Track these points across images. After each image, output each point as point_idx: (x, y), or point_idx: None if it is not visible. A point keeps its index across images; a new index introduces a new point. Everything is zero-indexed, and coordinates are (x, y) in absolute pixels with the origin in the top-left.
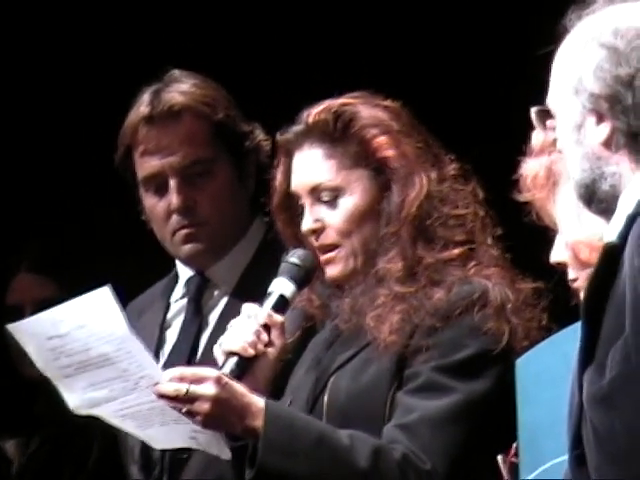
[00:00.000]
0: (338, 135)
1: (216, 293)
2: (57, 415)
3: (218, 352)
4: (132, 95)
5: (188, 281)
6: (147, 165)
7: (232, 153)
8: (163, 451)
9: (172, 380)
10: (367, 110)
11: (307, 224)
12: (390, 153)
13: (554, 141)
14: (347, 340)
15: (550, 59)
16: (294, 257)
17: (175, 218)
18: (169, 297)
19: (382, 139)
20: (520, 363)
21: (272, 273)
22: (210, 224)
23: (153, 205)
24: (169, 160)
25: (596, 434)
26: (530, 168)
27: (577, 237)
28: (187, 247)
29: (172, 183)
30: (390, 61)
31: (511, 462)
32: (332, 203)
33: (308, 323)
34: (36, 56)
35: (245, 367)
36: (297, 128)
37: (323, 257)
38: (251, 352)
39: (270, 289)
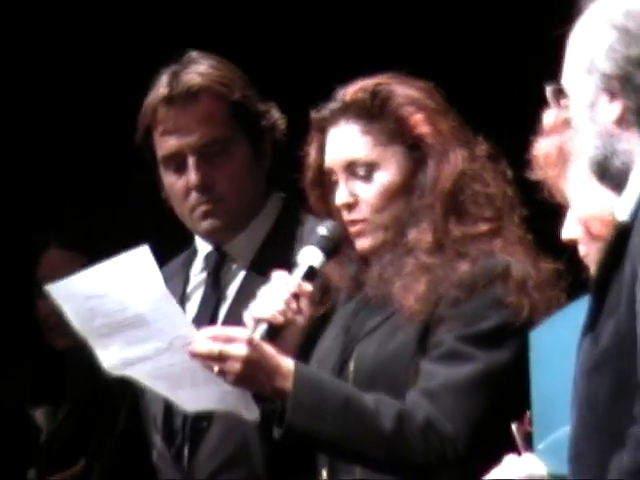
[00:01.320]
0: (375, 112)
1: (234, 267)
2: (85, 385)
3: (248, 318)
4: (152, 75)
5: (207, 256)
6: (166, 144)
7: (248, 132)
8: (184, 421)
9: (205, 340)
10: (403, 89)
11: (342, 198)
12: (426, 130)
13: (565, 120)
14: (374, 309)
15: (564, 40)
16: (324, 229)
17: (194, 195)
18: (188, 271)
19: (419, 116)
20: (534, 334)
21: (288, 247)
22: (227, 201)
23: (172, 183)
24: (188, 139)
25: (579, 404)
26: (542, 147)
27: (589, 212)
28: (205, 223)
29: (191, 162)
30: (404, 45)
31: (525, 430)
32: (367, 178)
33: (336, 296)
34: (61, 38)
35: (274, 334)
36: (333, 105)
37: (354, 230)
38: (280, 320)
39: (299, 259)
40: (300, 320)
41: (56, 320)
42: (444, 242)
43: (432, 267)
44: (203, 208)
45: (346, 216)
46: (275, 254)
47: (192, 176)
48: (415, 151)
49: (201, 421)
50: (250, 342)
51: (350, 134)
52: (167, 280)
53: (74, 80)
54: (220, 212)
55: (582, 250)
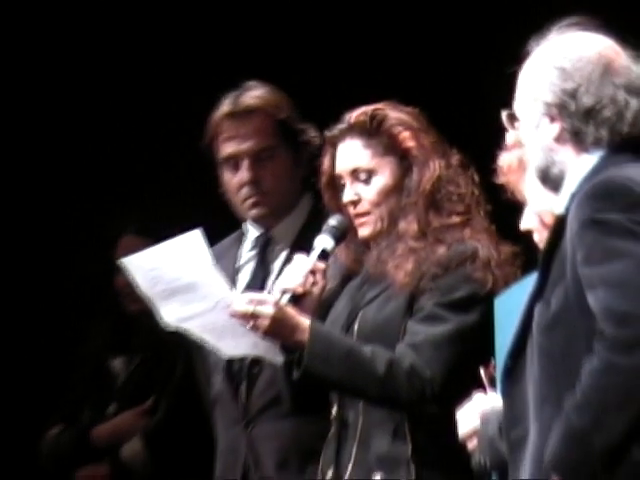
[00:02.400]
0: (373, 131)
1: (277, 248)
2: (151, 340)
3: (276, 289)
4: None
5: (256, 238)
6: (226, 149)
7: (289, 144)
8: (241, 367)
9: (242, 302)
10: (394, 113)
11: (348, 197)
12: (412, 144)
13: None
14: (373, 283)
15: (516, 76)
16: (334, 220)
17: (245, 189)
18: (239, 249)
19: (406, 134)
20: (497, 301)
21: (318, 233)
22: (270, 194)
23: (229, 179)
24: (243, 146)
25: (539, 355)
26: (505, 159)
27: (542, 207)
28: (253, 211)
29: (244, 163)
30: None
31: (490, 374)
32: (367, 181)
33: (346, 273)
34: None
35: (295, 301)
36: (341, 126)
37: (357, 221)
38: (300, 290)
39: (315, 244)
40: (315, 290)
41: (129, 290)
42: (426, 231)
43: (417, 250)
44: (252, 199)
45: (352, 211)
46: (309, 238)
47: (245, 174)
48: (404, 161)
49: (254, 367)
50: (277, 304)
51: (354, 148)
52: (219, 255)
53: (141, 82)
54: (264, 203)
55: (536, 237)
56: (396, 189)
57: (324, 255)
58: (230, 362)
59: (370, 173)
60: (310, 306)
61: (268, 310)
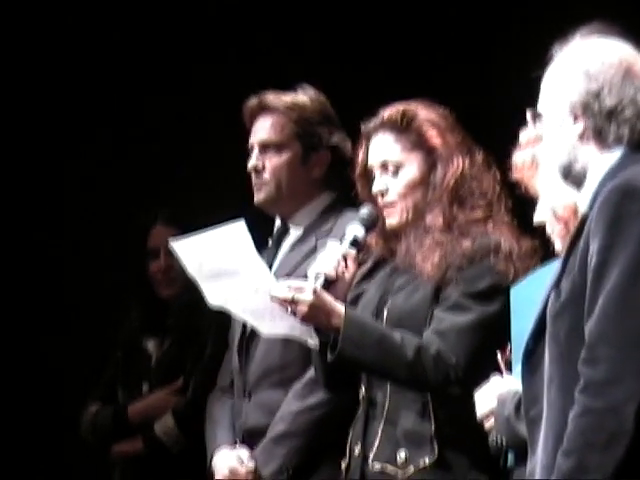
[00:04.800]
0: (403, 128)
1: (290, 233)
2: (182, 323)
3: (311, 273)
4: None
5: (277, 228)
6: (250, 138)
7: (303, 144)
8: (244, 341)
9: (283, 288)
10: (424, 112)
11: (377, 187)
12: (437, 142)
13: (536, 137)
14: (401, 273)
15: (541, 78)
16: (365, 210)
17: (252, 176)
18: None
19: (433, 132)
20: (513, 290)
21: (327, 227)
22: (269, 184)
23: (249, 165)
24: (255, 137)
25: (549, 340)
26: (519, 157)
27: (554, 202)
28: (255, 196)
29: (253, 152)
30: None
31: (506, 358)
32: (395, 174)
33: (376, 260)
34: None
35: (329, 284)
36: (375, 121)
37: (385, 211)
38: (333, 275)
39: (346, 232)
40: (347, 275)
41: (162, 277)
42: (452, 224)
43: (444, 243)
44: (255, 185)
45: (380, 201)
46: (317, 229)
47: (251, 161)
48: (430, 157)
49: (251, 342)
50: (314, 291)
51: (385, 142)
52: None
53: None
54: (263, 190)
55: (549, 229)
56: (422, 183)
57: (355, 242)
58: (240, 339)
59: (398, 166)
60: (342, 290)
61: (307, 297)
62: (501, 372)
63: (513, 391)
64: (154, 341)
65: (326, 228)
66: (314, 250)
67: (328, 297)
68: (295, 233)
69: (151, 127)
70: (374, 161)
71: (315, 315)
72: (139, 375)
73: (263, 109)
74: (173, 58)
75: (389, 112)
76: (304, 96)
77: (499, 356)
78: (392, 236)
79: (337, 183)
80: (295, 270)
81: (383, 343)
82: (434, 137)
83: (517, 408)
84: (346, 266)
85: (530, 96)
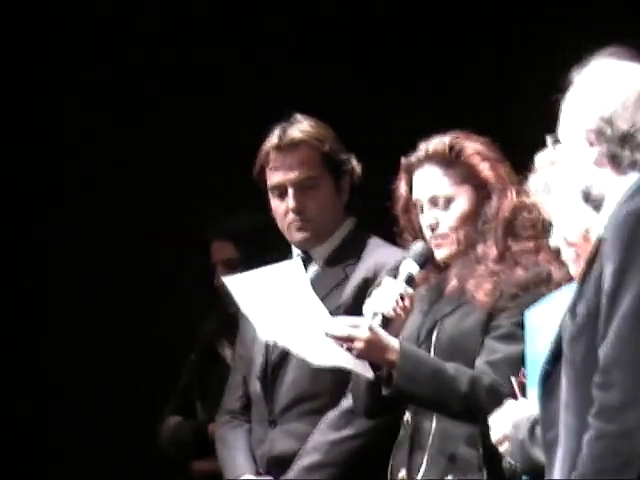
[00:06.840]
0: (452, 160)
1: (311, 266)
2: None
3: (368, 312)
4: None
5: (299, 257)
6: (274, 178)
7: (332, 174)
8: (265, 370)
9: (340, 325)
10: (471, 144)
11: (427, 221)
12: (490, 174)
13: (550, 161)
14: (447, 299)
15: (559, 105)
16: (418, 246)
17: (290, 216)
18: None
19: (484, 165)
20: (528, 314)
21: (348, 255)
22: (313, 221)
23: (277, 206)
24: (289, 175)
25: (565, 364)
26: (534, 182)
27: (567, 227)
28: (298, 236)
29: (290, 191)
30: None
31: (520, 382)
32: (446, 207)
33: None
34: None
35: (386, 323)
36: (419, 154)
37: (435, 243)
38: (392, 314)
39: (401, 269)
40: (404, 314)
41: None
42: (505, 254)
43: (497, 272)
44: (297, 225)
45: (429, 234)
46: (340, 257)
47: (290, 202)
48: (481, 189)
49: (279, 369)
50: (371, 328)
51: (433, 175)
52: None
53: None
54: (307, 228)
55: (563, 255)
56: (473, 215)
57: (411, 280)
58: (264, 366)
59: (449, 200)
60: (397, 328)
61: (363, 334)
62: (516, 397)
63: (527, 415)
64: (229, 347)
65: (353, 256)
66: (344, 279)
67: (383, 332)
68: (319, 261)
69: (211, 136)
70: (421, 195)
71: (371, 351)
72: (216, 383)
73: (286, 146)
74: (218, 75)
75: (434, 145)
76: (316, 125)
77: (513, 380)
78: (432, 267)
79: (356, 207)
80: (324, 299)
81: (437, 377)
82: (485, 169)
83: (531, 432)
84: (404, 305)
85: (547, 119)
